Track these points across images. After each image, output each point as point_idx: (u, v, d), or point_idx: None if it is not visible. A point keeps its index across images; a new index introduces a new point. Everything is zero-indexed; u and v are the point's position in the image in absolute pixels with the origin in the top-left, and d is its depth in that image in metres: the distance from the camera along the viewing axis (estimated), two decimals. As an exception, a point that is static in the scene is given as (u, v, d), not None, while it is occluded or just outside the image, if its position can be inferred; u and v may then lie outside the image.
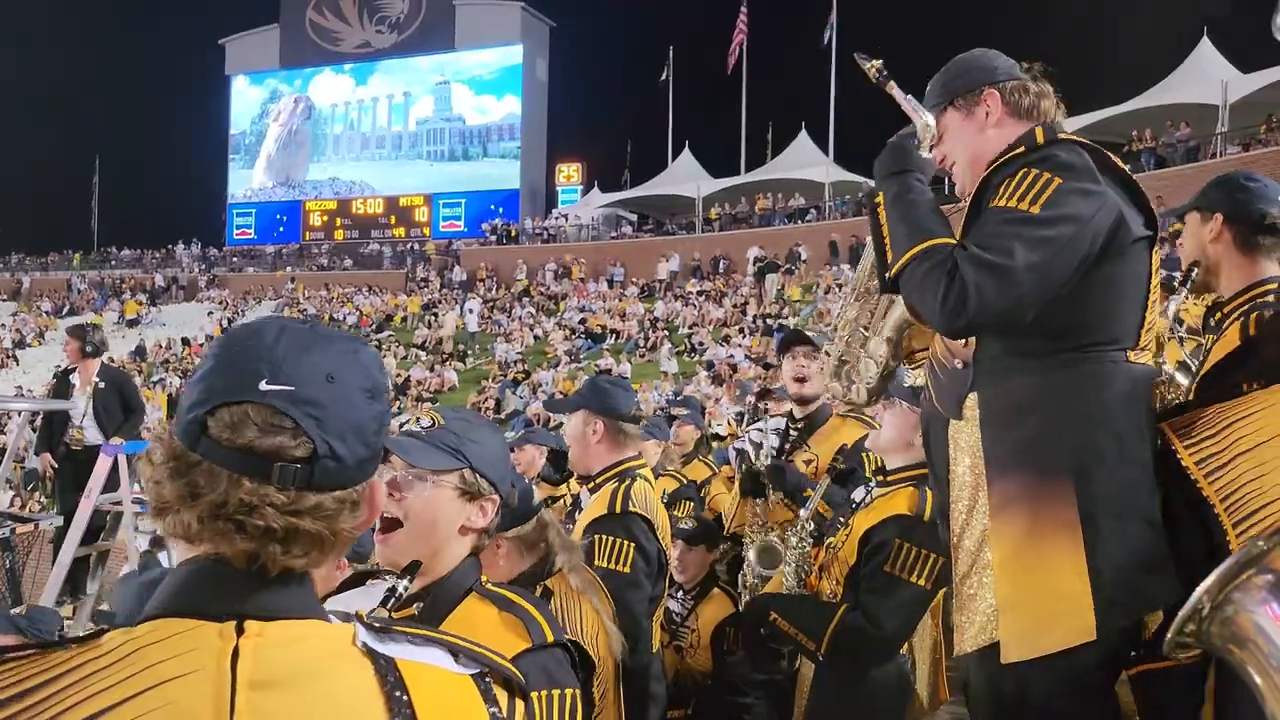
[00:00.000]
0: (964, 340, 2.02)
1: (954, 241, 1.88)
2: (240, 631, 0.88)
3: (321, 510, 0.92)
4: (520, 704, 1.02)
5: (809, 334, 3.72)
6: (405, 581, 1.67)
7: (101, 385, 6.79)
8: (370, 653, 0.92)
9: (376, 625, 0.96)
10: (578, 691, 1.64)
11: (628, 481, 2.89)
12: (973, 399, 1.99)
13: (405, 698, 0.90)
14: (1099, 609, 1.79)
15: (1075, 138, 1.95)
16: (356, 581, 1.88)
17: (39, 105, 60.32)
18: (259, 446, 0.89)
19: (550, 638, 1.63)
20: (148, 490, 0.93)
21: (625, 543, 2.76)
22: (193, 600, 0.90)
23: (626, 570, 2.73)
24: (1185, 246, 2.55)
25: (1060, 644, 1.80)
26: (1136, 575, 1.82)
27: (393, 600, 1.58)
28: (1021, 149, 1.94)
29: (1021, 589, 1.85)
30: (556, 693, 1.59)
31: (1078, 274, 1.85)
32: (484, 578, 1.74)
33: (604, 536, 2.75)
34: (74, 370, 6.89)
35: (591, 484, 3.00)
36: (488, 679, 0.98)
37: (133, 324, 33.12)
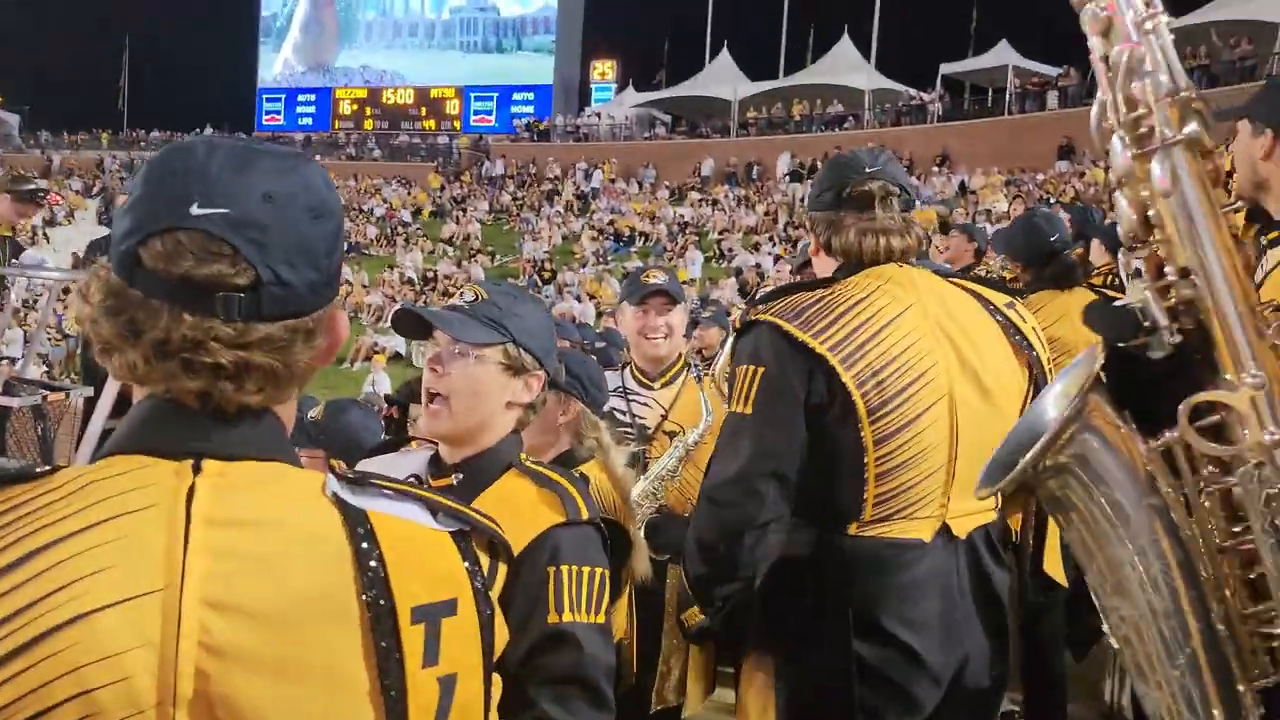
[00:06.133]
0: None
1: None
2: (198, 470, 0.84)
3: (272, 341, 0.86)
4: (503, 567, 0.97)
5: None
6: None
7: None
8: (340, 502, 0.87)
9: (350, 476, 0.91)
10: (607, 572, 1.63)
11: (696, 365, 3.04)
12: None
13: (375, 550, 0.86)
14: None
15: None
16: (390, 448, 1.87)
17: (68, -19, 59.43)
18: (196, 276, 0.83)
19: (585, 515, 1.62)
20: (87, 330, 0.88)
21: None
22: (147, 438, 0.86)
23: None
24: (1236, 160, 2.41)
25: None
26: None
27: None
28: None
29: None
30: (587, 569, 1.58)
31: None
32: (523, 455, 1.73)
33: None
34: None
35: (664, 379, 3.01)
36: (469, 537, 0.94)
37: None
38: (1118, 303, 1.24)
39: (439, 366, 1.66)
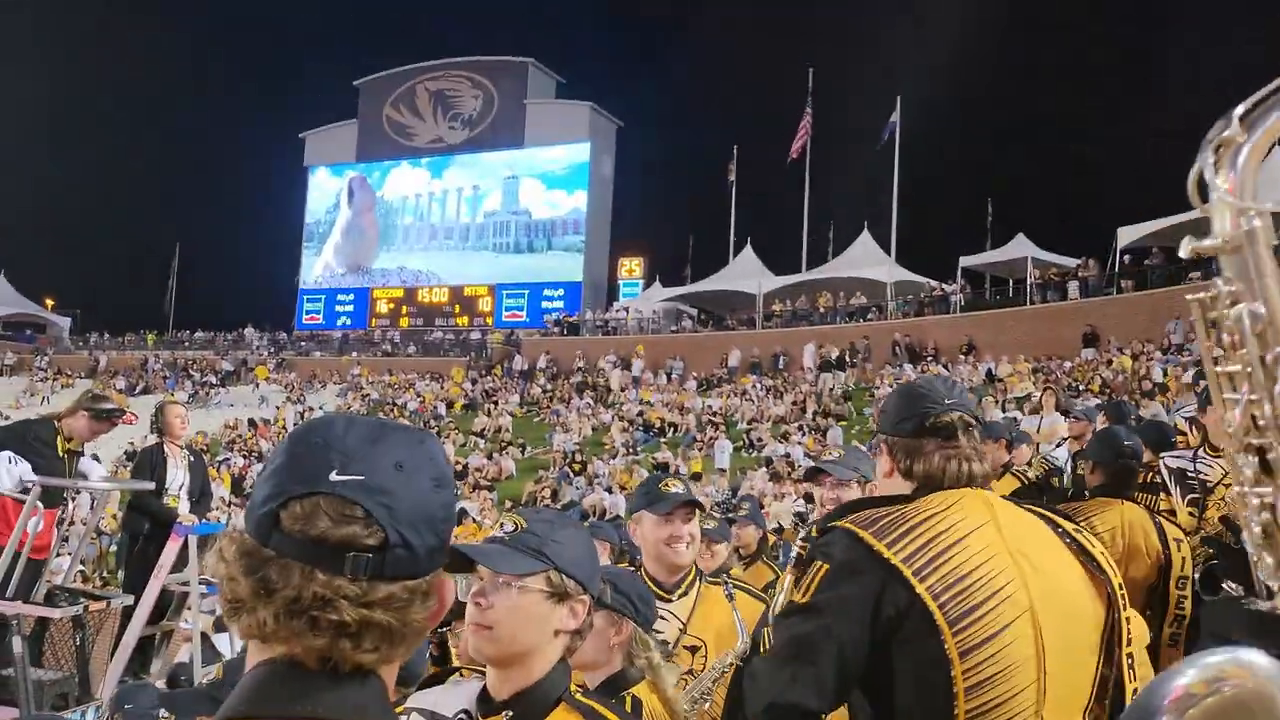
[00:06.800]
0: None
1: None
2: None
3: (394, 600, 0.91)
4: None
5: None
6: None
7: (191, 459, 6.79)
8: None
9: None
10: None
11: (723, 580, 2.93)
12: None
13: None
14: None
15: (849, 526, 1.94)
16: (438, 679, 1.87)
17: (124, 193, 63.11)
18: (331, 537, 0.89)
19: None
20: (221, 589, 0.93)
21: None
22: (267, 703, 0.90)
23: None
24: None
25: None
26: None
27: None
28: None
29: None
30: None
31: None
32: (574, 686, 1.72)
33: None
34: (162, 444, 6.77)
35: (680, 591, 2.95)
36: None
37: (202, 403, 33.85)
38: (1259, 606, 1.27)
39: (482, 600, 1.67)
